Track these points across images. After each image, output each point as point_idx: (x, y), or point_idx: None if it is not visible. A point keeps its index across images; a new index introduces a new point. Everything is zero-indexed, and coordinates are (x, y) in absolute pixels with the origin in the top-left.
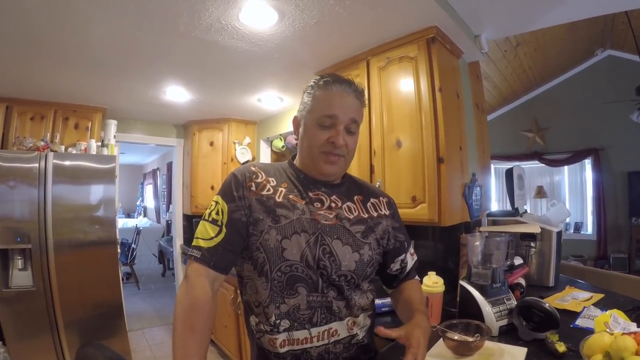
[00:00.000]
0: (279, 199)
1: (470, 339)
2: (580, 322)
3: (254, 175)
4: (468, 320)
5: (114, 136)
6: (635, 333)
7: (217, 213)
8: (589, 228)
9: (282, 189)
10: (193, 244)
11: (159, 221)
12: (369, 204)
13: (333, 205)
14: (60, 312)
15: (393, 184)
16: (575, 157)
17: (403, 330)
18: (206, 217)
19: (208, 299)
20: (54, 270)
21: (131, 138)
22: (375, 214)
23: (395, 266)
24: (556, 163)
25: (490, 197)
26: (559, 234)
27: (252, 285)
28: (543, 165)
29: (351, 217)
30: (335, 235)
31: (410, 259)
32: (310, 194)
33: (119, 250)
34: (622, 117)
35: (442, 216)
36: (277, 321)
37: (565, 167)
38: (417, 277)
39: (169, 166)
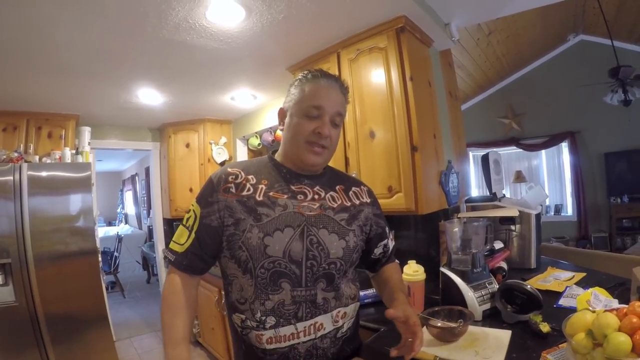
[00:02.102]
0: (260, 198)
1: (454, 325)
2: (563, 301)
3: (232, 177)
4: (450, 306)
5: (89, 143)
6: (617, 309)
7: (191, 218)
8: (569, 209)
9: (263, 186)
10: (170, 246)
11: (140, 227)
12: (350, 192)
13: (317, 196)
14: (45, 325)
15: (368, 175)
16: (552, 141)
17: (400, 310)
18: (183, 222)
19: (181, 286)
20: (35, 284)
21: (106, 144)
22: (357, 202)
23: (379, 250)
24: (533, 147)
25: (469, 184)
26: (538, 216)
27: (237, 283)
28: (521, 150)
29: (335, 205)
30: (321, 225)
31: (391, 243)
32: (293, 187)
33: (100, 259)
34: (596, 100)
35: (419, 204)
36: (263, 318)
37: (543, 151)
38: (396, 260)
39: (147, 171)
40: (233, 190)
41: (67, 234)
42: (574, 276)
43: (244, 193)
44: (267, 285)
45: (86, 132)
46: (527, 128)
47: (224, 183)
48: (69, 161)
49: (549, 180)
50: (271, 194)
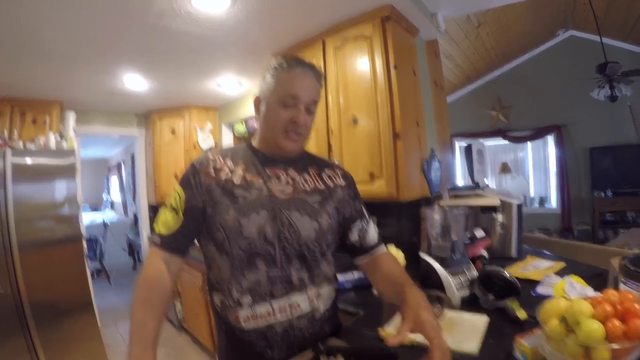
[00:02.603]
0: (237, 181)
1: None
2: (541, 290)
3: (212, 162)
4: (428, 291)
5: (73, 129)
6: (591, 297)
7: (175, 201)
8: (553, 202)
9: (240, 171)
10: (154, 231)
11: (126, 214)
12: (324, 175)
13: (290, 180)
14: (31, 313)
15: (351, 162)
16: (538, 134)
17: (410, 321)
18: (167, 206)
19: (160, 275)
20: (20, 271)
21: (91, 130)
22: (331, 185)
23: (354, 236)
24: (520, 140)
25: (454, 174)
26: (520, 206)
27: (215, 264)
28: (507, 142)
29: (308, 188)
30: (294, 207)
31: (372, 230)
32: (268, 171)
33: (85, 246)
34: (583, 95)
35: (400, 191)
36: (239, 296)
37: (529, 144)
38: (387, 250)
39: (133, 158)
40: (213, 174)
41: (52, 221)
42: (553, 265)
43: (223, 177)
44: (243, 265)
45: (71, 118)
46: (514, 120)
47: (205, 168)
48: (54, 147)
49: (534, 172)
50: (247, 177)
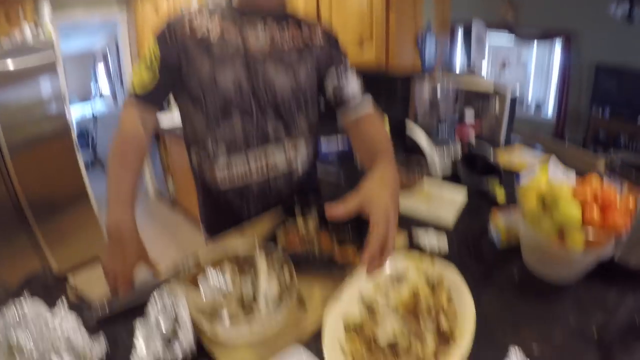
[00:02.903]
0: (214, 38)
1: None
2: (524, 178)
3: (188, 20)
4: (410, 155)
5: (50, 19)
6: (572, 182)
7: (151, 59)
8: (550, 111)
9: (217, 28)
10: (131, 82)
11: (116, 103)
12: (304, 32)
13: (269, 37)
14: (30, 210)
15: (340, 30)
16: (545, 36)
17: (359, 195)
18: (141, 62)
19: (136, 133)
20: (14, 173)
21: (69, 18)
22: (310, 41)
23: (330, 88)
24: (526, 39)
25: (454, 59)
26: (514, 100)
27: (190, 118)
28: (512, 40)
29: (286, 45)
30: (270, 63)
31: (353, 83)
32: (246, 25)
33: (76, 139)
34: (601, 8)
35: (390, 59)
36: (215, 146)
37: (534, 46)
38: (374, 111)
39: (118, 46)
40: (188, 31)
41: (40, 120)
42: (540, 157)
43: (199, 34)
44: (218, 116)
45: (45, 6)
46: (522, 18)
47: (181, 25)
48: (31, 41)
49: (535, 77)
50: (225, 34)
